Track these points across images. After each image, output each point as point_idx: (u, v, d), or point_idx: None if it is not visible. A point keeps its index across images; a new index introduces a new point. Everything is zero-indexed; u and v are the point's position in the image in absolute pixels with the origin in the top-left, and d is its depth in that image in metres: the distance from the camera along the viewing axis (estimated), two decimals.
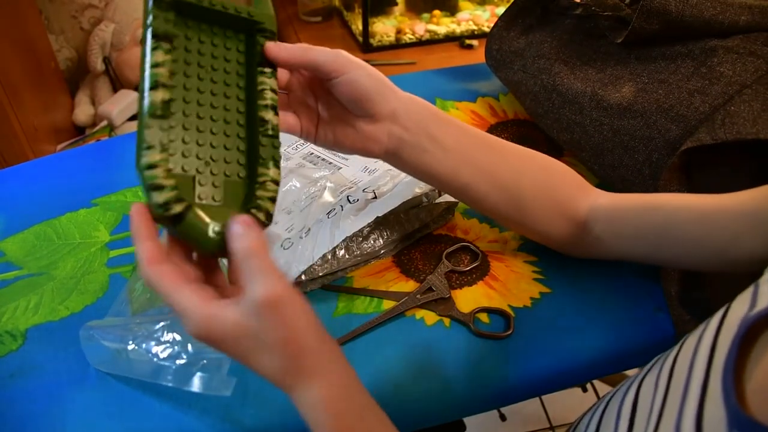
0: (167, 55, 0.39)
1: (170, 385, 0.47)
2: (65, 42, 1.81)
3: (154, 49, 0.38)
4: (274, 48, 0.44)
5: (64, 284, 0.58)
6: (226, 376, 0.47)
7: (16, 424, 0.47)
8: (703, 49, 0.58)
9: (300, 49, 0.45)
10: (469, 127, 0.52)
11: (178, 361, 0.48)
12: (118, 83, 1.79)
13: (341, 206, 0.58)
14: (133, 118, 1.75)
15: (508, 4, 0.78)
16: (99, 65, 1.74)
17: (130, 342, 0.49)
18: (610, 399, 0.44)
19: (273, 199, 0.40)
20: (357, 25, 1.61)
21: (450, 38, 1.64)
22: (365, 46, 1.57)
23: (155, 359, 0.48)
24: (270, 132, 0.42)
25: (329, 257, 0.56)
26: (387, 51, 1.59)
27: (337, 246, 0.56)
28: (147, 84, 0.38)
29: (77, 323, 0.52)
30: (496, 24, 0.78)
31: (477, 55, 1.58)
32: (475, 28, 1.65)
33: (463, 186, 0.51)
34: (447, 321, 0.54)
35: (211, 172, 0.40)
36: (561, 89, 0.67)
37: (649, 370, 0.40)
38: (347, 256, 0.57)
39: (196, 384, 0.47)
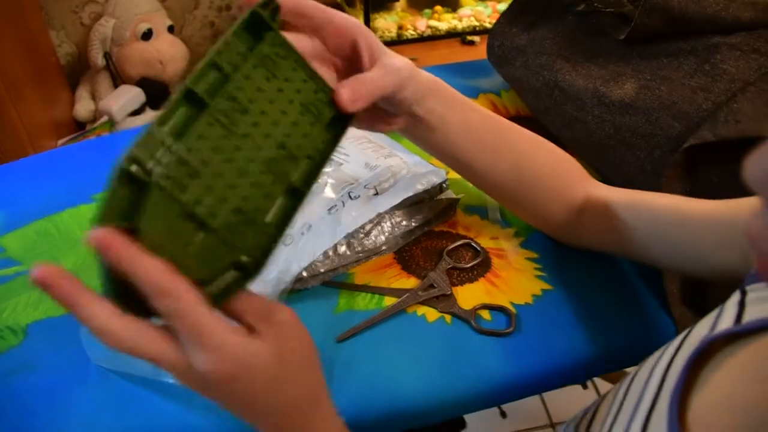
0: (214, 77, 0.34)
1: (172, 381, 0.47)
2: (66, 37, 1.81)
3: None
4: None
5: None
6: None
7: (17, 420, 0.47)
8: (706, 46, 0.58)
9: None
10: (481, 109, 0.53)
11: None
12: (118, 78, 1.79)
13: (342, 202, 0.57)
14: (133, 113, 1.75)
15: (510, 1, 0.78)
16: (99, 60, 1.74)
17: None
18: (594, 412, 0.44)
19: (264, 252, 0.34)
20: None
21: (452, 34, 1.63)
22: None
23: None
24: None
25: (330, 253, 0.56)
26: (388, 47, 1.56)
27: (339, 242, 0.56)
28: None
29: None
30: (498, 20, 0.78)
31: (479, 52, 1.58)
32: (476, 24, 1.65)
33: (466, 163, 0.53)
34: (448, 318, 0.54)
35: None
36: (563, 86, 0.67)
37: (617, 387, 0.40)
38: (348, 253, 0.57)
39: None
